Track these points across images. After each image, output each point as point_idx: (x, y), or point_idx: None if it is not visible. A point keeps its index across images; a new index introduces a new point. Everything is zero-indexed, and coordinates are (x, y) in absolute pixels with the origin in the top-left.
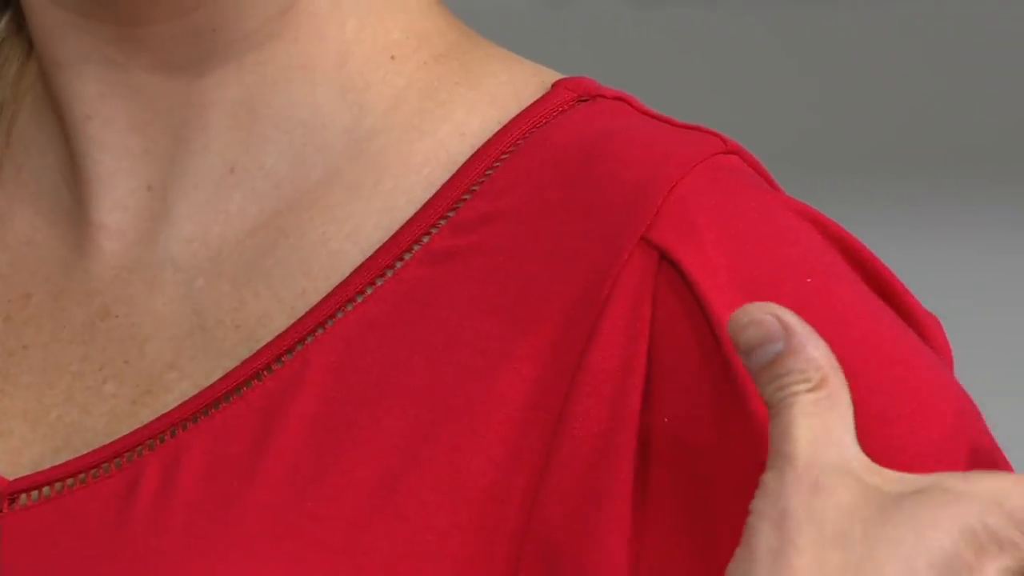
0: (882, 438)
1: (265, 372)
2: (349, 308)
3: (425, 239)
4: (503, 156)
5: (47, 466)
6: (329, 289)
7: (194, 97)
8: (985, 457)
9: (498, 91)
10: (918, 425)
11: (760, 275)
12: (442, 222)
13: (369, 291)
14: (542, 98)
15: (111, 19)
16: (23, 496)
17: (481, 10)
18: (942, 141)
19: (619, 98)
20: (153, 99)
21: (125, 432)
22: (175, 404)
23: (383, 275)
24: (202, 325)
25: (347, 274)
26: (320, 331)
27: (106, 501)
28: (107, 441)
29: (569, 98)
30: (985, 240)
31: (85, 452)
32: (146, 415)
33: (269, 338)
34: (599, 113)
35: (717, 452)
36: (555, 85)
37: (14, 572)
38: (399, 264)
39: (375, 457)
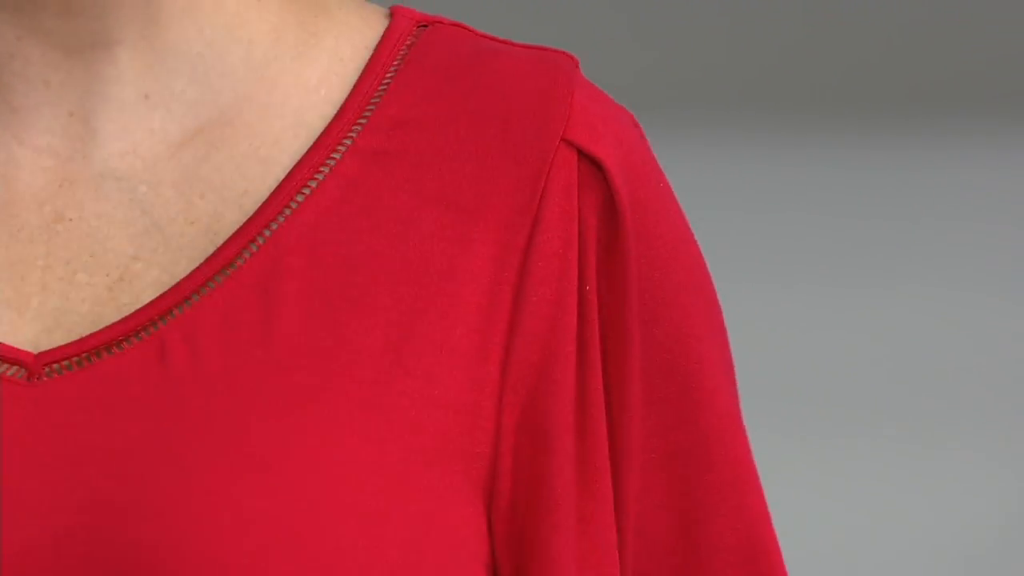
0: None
1: (245, 254)
2: (300, 198)
3: (347, 142)
4: (388, 75)
5: (45, 345)
6: (271, 186)
7: (100, 36)
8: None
9: (351, 19)
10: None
11: (637, 175)
12: (357, 127)
13: (313, 184)
14: (392, 25)
15: None
16: (46, 368)
17: None
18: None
19: (454, 23)
20: (63, 39)
21: (109, 313)
22: (150, 288)
23: (320, 171)
24: (156, 224)
25: (280, 176)
26: (281, 219)
27: (140, 368)
28: (94, 321)
29: (412, 22)
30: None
31: (85, 333)
32: (125, 299)
33: (226, 230)
34: (455, 36)
35: (621, 314)
36: (394, 13)
37: (58, 435)
38: (331, 161)
39: (376, 328)
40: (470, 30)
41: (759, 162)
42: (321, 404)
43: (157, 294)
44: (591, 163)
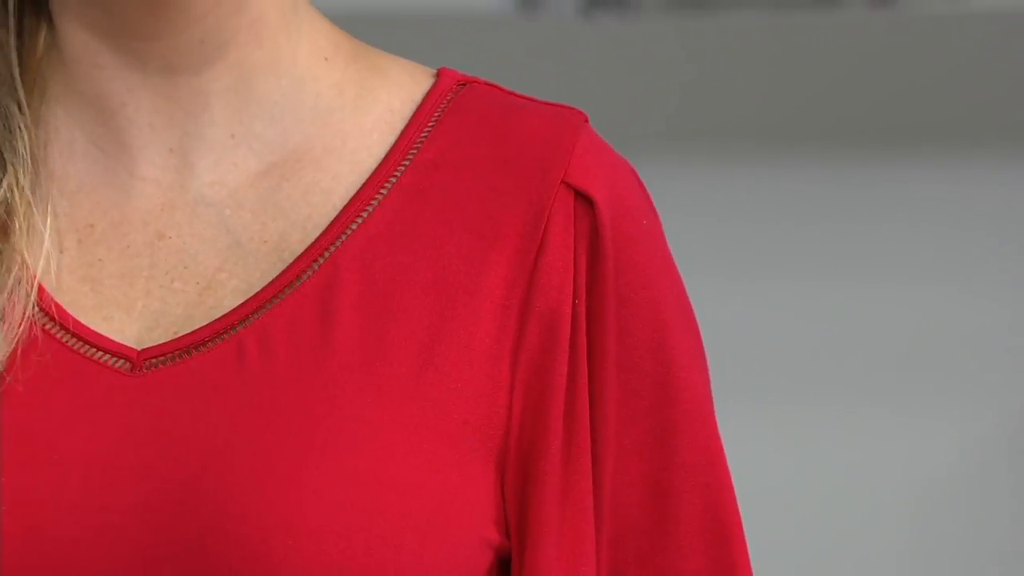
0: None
1: (309, 271)
2: (354, 226)
3: (392, 180)
4: (430, 123)
5: (147, 341)
6: (329, 213)
7: (197, 88)
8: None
9: (401, 79)
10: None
11: (623, 213)
12: (401, 168)
13: (365, 214)
14: (437, 83)
15: (130, 36)
16: (146, 362)
17: (454, 15)
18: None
19: (489, 83)
20: (167, 91)
21: (198, 315)
22: (231, 295)
23: (370, 204)
24: (237, 241)
25: (338, 205)
26: (339, 243)
27: (221, 364)
28: (186, 321)
29: (454, 82)
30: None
31: (178, 331)
32: (211, 303)
33: (291, 248)
34: (488, 92)
35: (601, 323)
36: (439, 73)
37: (155, 418)
38: (380, 196)
39: (413, 333)
40: (502, 89)
41: (772, 181)
42: (369, 396)
43: (237, 300)
44: (584, 201)
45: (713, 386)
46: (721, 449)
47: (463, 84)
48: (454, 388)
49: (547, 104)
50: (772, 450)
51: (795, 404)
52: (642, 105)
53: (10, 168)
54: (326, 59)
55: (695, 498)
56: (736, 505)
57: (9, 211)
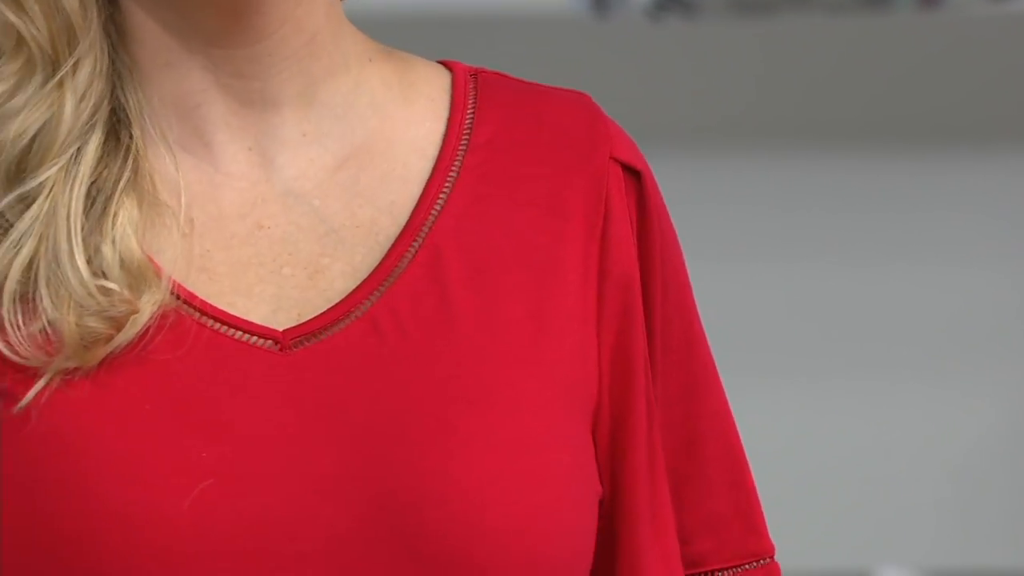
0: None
1: (411, 251)
2: (438, 208)
3: (457, 162)
4: (469, 109)
5: (275, 324)
6: (411, 197)
7: (266, 93)
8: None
9: (424, 73)
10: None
11: (653, 184)
12: (461, 150)
13: (443, 196)
14: (456, 75)
15: (203, 41)
16: (292, 341)
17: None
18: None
19: (495, 72)
20: (239, 94)
21: (313, 297)
22: (339, 277)
23: (446, 186)
24: (332, 228)
25: (415, 190)
26: (430, 224)
27: (362, 340)
28: (303, 304)
29: (465, 71)
30: None
31: (301, 312)
32: (323, 286)
33: (385, 232)
34: (501, 80)
35: (651, 284)
36: (451, 67)
37: (314, 393)
38: (452, 178)
39: (519, 302)
40: (508, 76)
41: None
42: (495, 362)
43: (348, 282)
44: (631, 173)
45: (768, 364)
46: (727, 401)
47: (473, 74)
48: (562, 351)
49: (559, 88)
50: (820, 425)
51: (840, 381)
52: (704, 101)
53: (135, 119)
54: (370, 60)
55: (717, 445)
56: (742, 443)
57: (140, 153)
